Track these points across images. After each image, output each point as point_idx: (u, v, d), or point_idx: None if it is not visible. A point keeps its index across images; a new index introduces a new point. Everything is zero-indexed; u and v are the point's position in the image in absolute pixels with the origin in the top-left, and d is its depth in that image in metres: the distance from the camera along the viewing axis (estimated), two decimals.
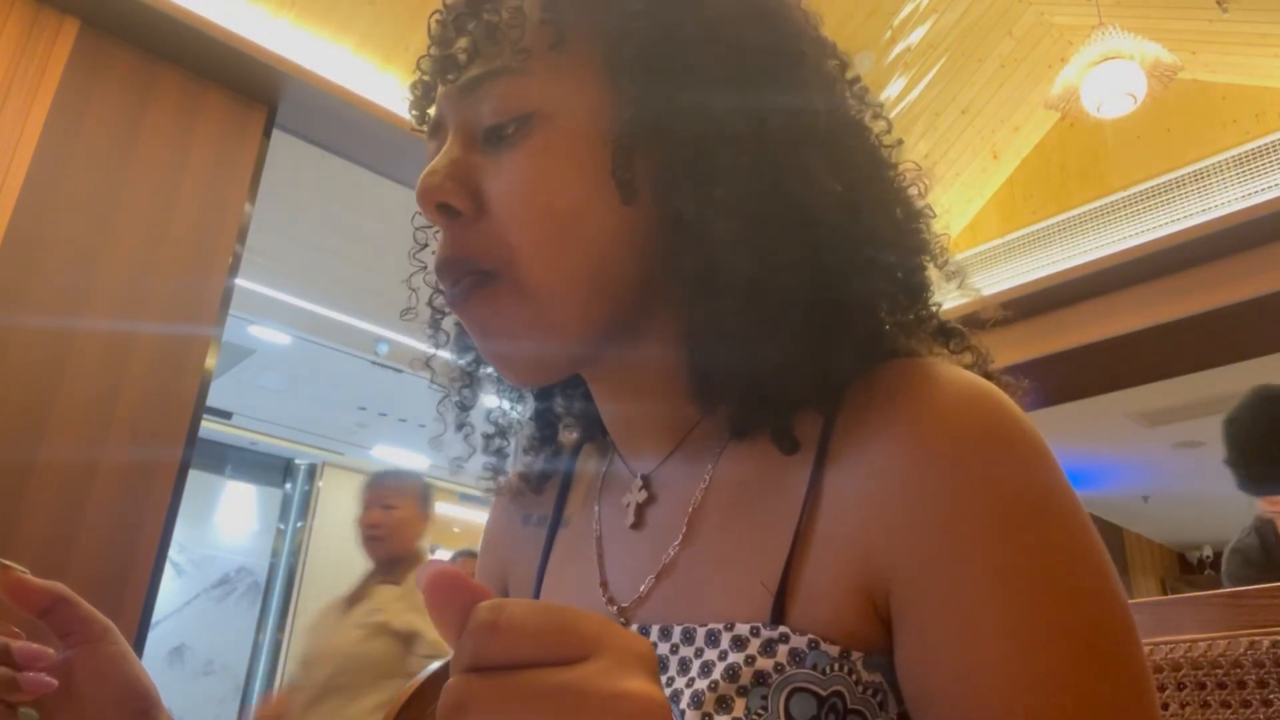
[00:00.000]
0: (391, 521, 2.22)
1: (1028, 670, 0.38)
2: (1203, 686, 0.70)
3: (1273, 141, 3.14)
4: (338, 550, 7.36)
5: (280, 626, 7.06)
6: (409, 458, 7.67)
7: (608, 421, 0.58)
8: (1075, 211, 3.57)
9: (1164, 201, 3.34)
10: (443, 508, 8.18)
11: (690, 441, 0.53)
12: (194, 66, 2.50)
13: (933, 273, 0.53)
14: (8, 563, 0.51)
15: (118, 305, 2.25)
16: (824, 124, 0.49)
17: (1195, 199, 3.26)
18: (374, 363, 5.53)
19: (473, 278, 0.49)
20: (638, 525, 0.53)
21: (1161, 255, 3.27)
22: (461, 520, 8.44)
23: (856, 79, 0.54)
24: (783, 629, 0.42)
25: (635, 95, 0.47)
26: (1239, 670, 0.68)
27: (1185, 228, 3.22)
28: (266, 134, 2.63)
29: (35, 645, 0.50)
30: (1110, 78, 2.77)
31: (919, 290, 0.52)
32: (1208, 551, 7.92)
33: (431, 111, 0.54)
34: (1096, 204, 3.52)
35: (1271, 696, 0.67)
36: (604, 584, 0.53)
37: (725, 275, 0.46)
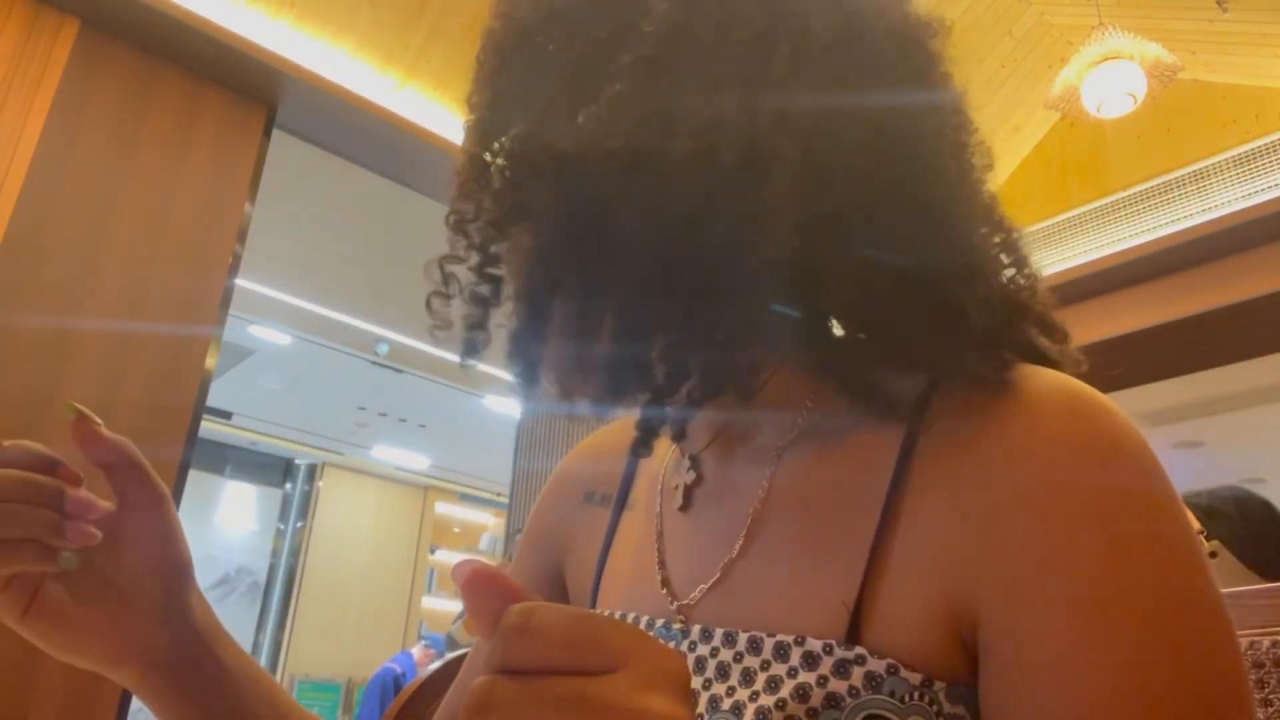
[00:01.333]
0: None
1: (1129, 714, 0.35)
2: None
3: (1273, 141, 3.14)
4: (338, 550, 7.37)
5: (280, 626, 7.06)
6: (409, 457, 7.68)
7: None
8: (1075, 211, 3.57)
9: (1164, 201, 3.34)
10: (443, 508, 8.19)
11: (744, 430, 0.51)
12: (194, 66, 2.49)
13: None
14: (84, 410, 0.51)
15: (118, 305, 2.25)
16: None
17: (1195, 199, 3.26)
18: (374, 363, 5.52)
19: None
20: (685, 507, 0.53)
21: (1161, 255, 3.27)
22: (461, 520, 8.44)
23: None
24: (859, 650, 0.40)
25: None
26: None
27: (1185, 228, 3.22)
28: (266, 134, 2.63)
29: (89, 496, 0.50)
30: (1110, 78, 2.77)
31: (1009, 291, 0.49)
32: (1208, 551, 7.92)
33: None
34: (1096, 204, 3.52)
35: (1271, 697, 0.66)
36: (663, 574, 0.52)
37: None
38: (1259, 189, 3.10)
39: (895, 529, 0.42)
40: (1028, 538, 0.38)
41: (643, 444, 0.46)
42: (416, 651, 6.24)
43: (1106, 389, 0.42)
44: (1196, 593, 0.37)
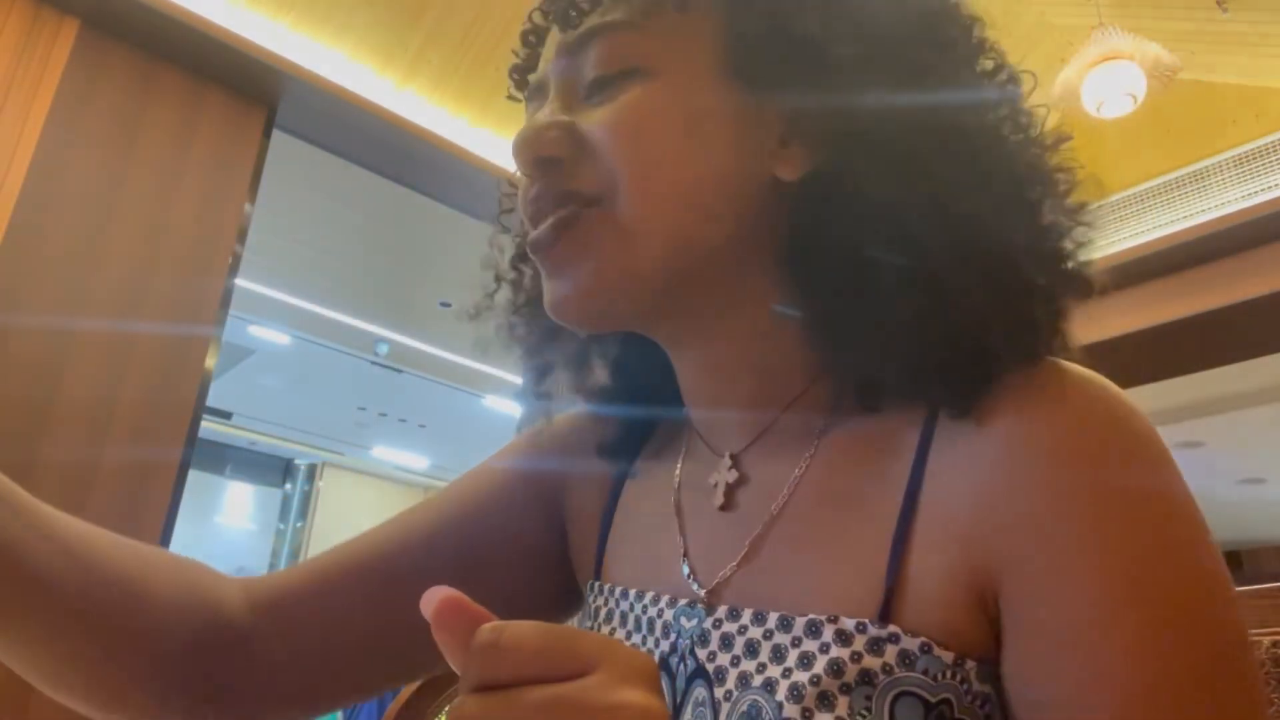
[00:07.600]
0: None
1: (1152, 684, 0.36)
2: None
3: (1273, 141, 3.14)
4: None
5: None
6: (409, 457, 7.68)
7: (689, 394, 0.55)
8: None
9: (1164, 201, 3.34)
10: None
11: (781, 425, 0.51)
12: (194, 66, 2.49)
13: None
14: None
15: (118, 305, 2.25)
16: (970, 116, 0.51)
17: (1195, 199, 3.26)
18: (374, 363, 5.53)
19: (564, 214, 0.48)
20: (727, 507, 0.51)
21: (1161, 255, 3.27)
22: None
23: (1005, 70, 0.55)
24: (892, 628, 0.41)
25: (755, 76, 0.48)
26: None
27: (1185, 228, 3.22)
28: (266, 134, 2.64)
29: None
30: (1110, 78, 2.77)
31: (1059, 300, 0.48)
32: None
33: (533, 77, 0.53)
34: (1096, 204, 3.52)
35: (1272, 696, 0.67)
36: (687, 557, 0.52)
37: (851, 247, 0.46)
38: (1259, 189, 3.10)
39: (920, 505, 0.43)
40: (1051, 514, 0.39)
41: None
42: None
43: None
44: (1209, 572, 0.38)
